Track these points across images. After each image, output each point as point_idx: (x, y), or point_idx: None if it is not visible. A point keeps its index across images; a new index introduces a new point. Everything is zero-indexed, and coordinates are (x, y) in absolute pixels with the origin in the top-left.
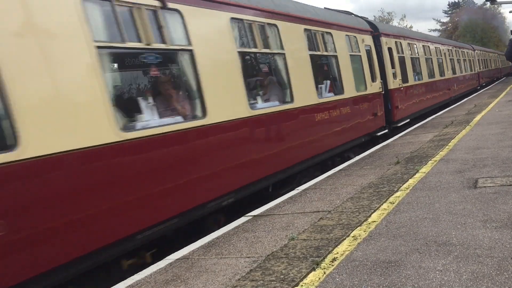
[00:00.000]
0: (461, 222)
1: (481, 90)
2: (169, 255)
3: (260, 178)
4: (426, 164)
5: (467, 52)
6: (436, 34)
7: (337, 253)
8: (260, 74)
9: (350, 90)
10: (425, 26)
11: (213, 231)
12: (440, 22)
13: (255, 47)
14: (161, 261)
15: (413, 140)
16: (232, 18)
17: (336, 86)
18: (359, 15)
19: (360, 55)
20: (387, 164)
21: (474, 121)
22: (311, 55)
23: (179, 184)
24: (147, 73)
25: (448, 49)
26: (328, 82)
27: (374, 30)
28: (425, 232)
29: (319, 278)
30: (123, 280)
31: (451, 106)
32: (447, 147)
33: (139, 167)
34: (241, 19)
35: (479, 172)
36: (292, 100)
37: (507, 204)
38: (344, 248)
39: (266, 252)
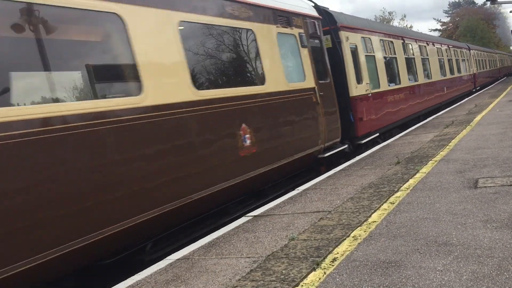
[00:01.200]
0: (462, 222)
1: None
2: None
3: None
4: (426, 164)
5: (494, 55)
6: (436, 34)
7: (338, 253)
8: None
9: (468, 71)
10: (425, 26)
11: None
12: (440, 22)
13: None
14: (161, 261)
15: (414, 140)
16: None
17: (465, 69)
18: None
19: (468, 58)
20: (387, 164)
21: (475, 121)
22: (460, 59)
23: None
24: None
25: (487, 54)
26: (462, 68)
27: (468, 47)
28: (426, 232)
29: (320, 278)
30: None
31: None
32: (447, 147)
33: None
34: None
35: (480, 172)
36: (459, 72)
37: (508, 204)
38: (344, 248)
39: (267, 252)
